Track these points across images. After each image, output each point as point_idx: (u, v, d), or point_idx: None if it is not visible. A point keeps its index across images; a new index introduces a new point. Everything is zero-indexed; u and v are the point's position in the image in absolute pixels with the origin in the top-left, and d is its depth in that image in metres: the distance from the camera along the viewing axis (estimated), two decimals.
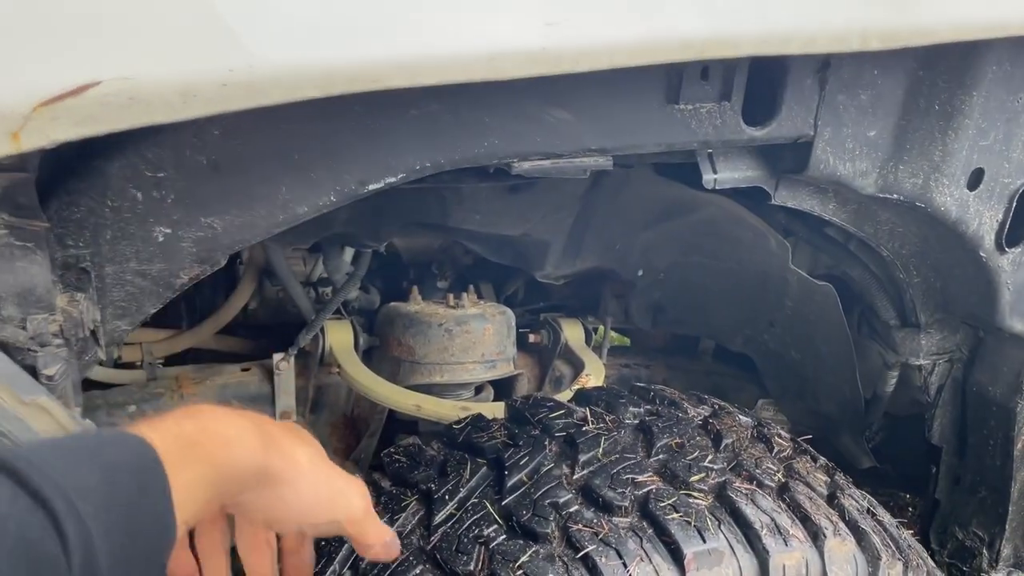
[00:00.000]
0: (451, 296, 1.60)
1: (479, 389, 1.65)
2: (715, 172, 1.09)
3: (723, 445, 1.15)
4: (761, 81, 1.01)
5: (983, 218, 1.15)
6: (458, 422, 1.20)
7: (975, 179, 1.12)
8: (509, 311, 1.60)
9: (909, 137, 1.08)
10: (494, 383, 1.69)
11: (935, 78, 1.05)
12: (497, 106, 0.89)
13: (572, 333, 1.80)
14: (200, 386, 1.59)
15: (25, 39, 0.58)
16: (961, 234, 1.15)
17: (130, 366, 1.61)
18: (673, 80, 0.95)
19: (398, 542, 0.85)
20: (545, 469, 1.06)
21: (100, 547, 0.49)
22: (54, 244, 0.78)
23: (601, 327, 1.89)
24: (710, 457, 1.10)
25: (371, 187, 0.87)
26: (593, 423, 1.14)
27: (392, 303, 1.63)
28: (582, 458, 1.07)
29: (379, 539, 0.81)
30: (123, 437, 0.57)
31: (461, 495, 1.04)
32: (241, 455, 0.65)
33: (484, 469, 1.08)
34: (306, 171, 0.83)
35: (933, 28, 0.80)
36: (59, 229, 0.79)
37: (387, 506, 1.06)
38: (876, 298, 1.38)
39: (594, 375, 1.67)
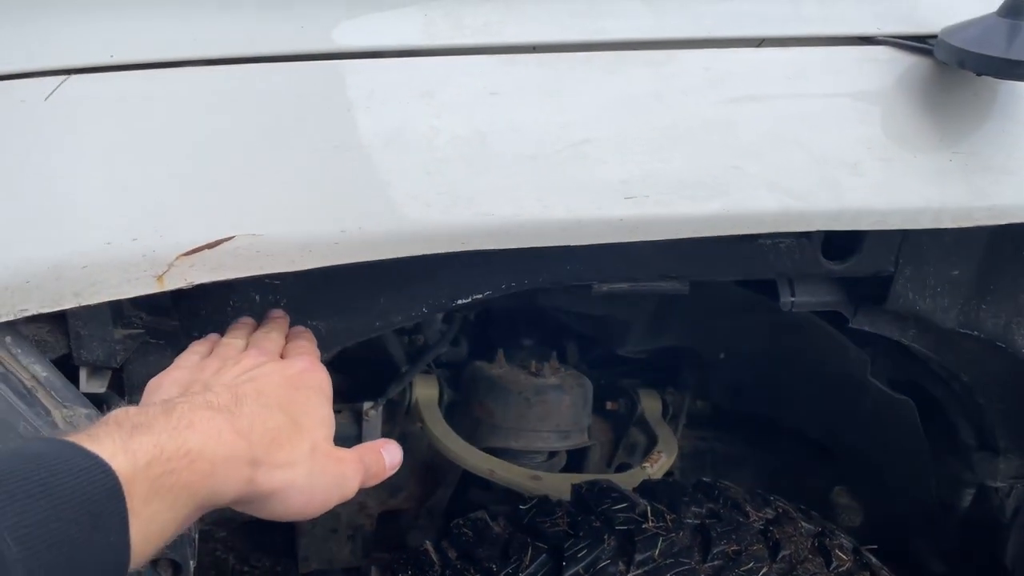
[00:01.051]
0: (534, 362, 1.66)
1: (552, 453, 1.71)
2: (793, 296, 1.12)
3: (780, 556, 1.18)
4: None
5: None
6: (525, 501, 1.26)
7: None
8: (588, 383, 1.66)
9: (993, 279, 1.09)
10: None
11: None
12: None
13: (649, 404, 1.84)
14: None
15: (171, 200, 0.69)
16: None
17: None
18: None
19: (397, 449, 0.82)
20: (601, 565, 1.11)
21: None
22: (183, 338, 0.89)
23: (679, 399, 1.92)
24: (764, 570, 1.13)
25: (460, 302, 0.95)
26: (653, 521, 1.19)
27: (478, 363, 1.71)
28: (638, 557, 1.12)
29: (383, 472, 0.79)
30: (83, 463, 0.52)
31: None
32: (225, 484, 0.61)
33: (544, 556, 1.14)
34: (404, 288, 0.92)
35: (1009, 210, 0.82)
36: (187, 324, 0.90)
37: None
38: (955, 418, 1.37)
39: (666, 451, 1.71)
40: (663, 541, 1.15)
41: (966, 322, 1.12)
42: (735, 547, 1.17)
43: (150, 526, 0.55)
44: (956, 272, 1.08)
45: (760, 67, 0.80)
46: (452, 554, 1.21)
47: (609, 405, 1.86)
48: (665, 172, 0.74)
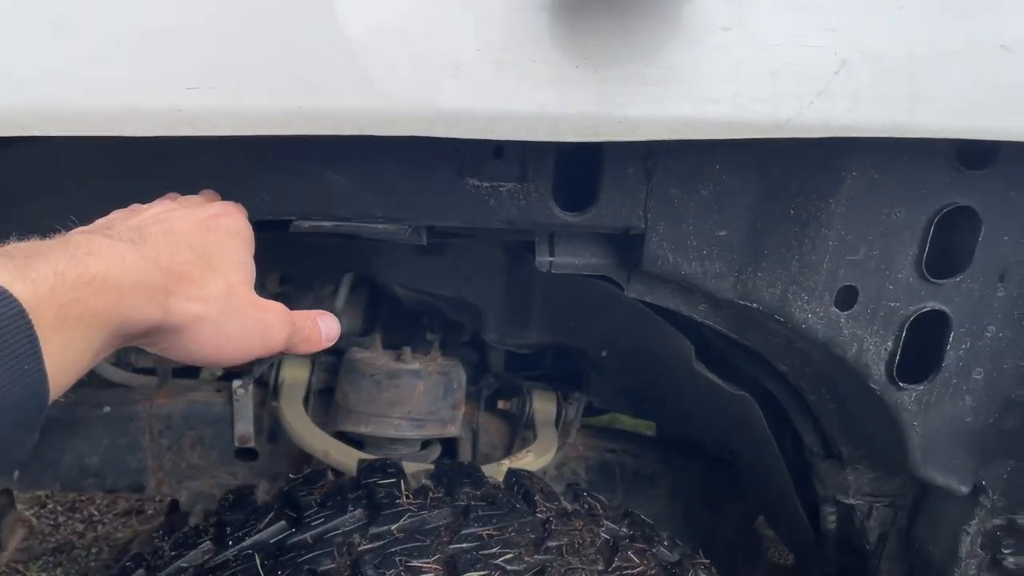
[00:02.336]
0: (408, 349, 1.60)
1: (427, 444, 1.63)
2: (551, 255, 1.03)
3: (545, 547, 1.07)
4: (589, 166, 0.95)
5: (864, 344, 0.99)
6: (297, 476, 1.20)
7: (846, 298, 0.97)
8: (455, 372, 1.58)
9: (766, 242, 0.96)
10: (448, 444, 1.67)
11: (790, 180, 0.93)
12: (270, 163, 0.90)
13: (541, 406, 1.74)
14: (171, 399, 1.70)
15: None
16: (839, 358, 1.00)
17: (150, 372, 1.74)
18: (464, 155, 0.92)
19: (334, 322, 0.78)
20: (332, 534, 1.04)
21: None
22: None
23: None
24: (510, 555, 1.03)
25: None
26: (409, 498, 1.10)
27: (354, 347, 1.66)
28: (373, 530, 1.04)
29: (318, 341, 0.76)
30: None
31: (245, 543, 1.05)
32: (135, 312, 0.57)
33: (282, 522, 1.07)
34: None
35: (645, 124, 0.72)
36: None
37: (187, 537, 1.09)
38: (796, 419, 1.22)
39: (535, 453, 1.60)
40: (409, 518, 1.06)
41: (744, 292, 0.99)
42: (491, 531, 1.07)
43: (64, 356, 0.51)
44: (724, 233, 0.97)
45: None
46: (212, 520, 1.16)
47: (501, 404, 1.78)
48: (234, 62, 0.69)
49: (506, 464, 1.55)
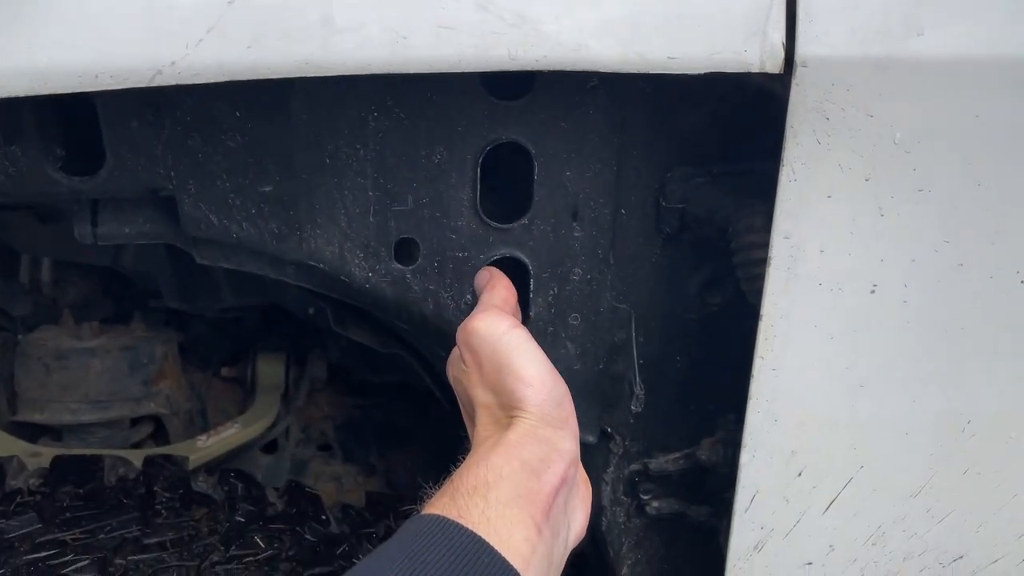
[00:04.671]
0: (91, 325, 1.47)
1: (135, 423, 1.51)
2: (95, 225, 0.91)
3: (143, 546, 0.97)
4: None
5: (440, 299, 0.90)
6: None
7: (406, 252, 0.88)
8: (145, 346, 1.46)
9: (315, 196, 0.86)
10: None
11: (317, 125, 0.82)
12: None
13: (266, 369, 1.64)
14: None
15: None
16: (421, 316, 0.92)
17: None
18: None
19: None
20: None
21: None
22: None
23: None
24: (87, 562, 0.93)
25: None
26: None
27: (45, 326, 1.52)
28: None
29: None
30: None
31: None
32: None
33: None
34: None
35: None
36: None
37: None
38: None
39: (244, 423, 1.50)
40: None
41: (310, 252, 0.89)
42: (77, 535, 0.97)
43: None
44: (269, 189, 0.86)
45: None
46: None
47: (224, 371, 1.67)
48: None
49: (203, 441, 1.45)
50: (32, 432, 1.44)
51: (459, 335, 0.75)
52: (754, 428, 0.84)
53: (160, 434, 1.56)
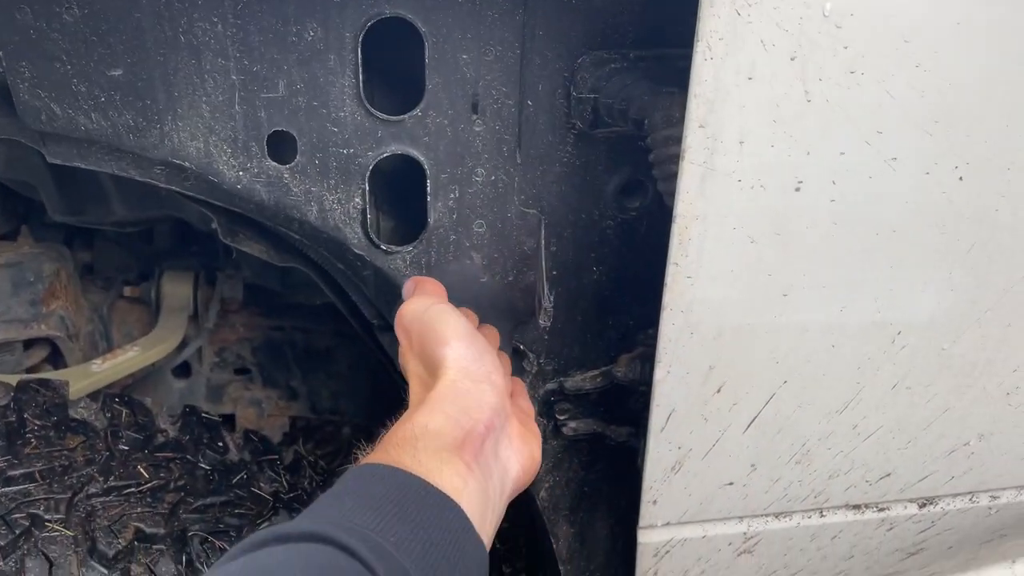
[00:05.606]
0: None
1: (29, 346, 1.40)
2: None
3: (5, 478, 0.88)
4: None
5: (325, 202, 0.81)
6: None
7: (282, 148, 0.78)
8: (32, 264, 1.34)
9: (173, 81, 0.74)
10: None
11: None
12: None
13: (172, 289, 1.53)
14: None
15: None
16: (304, 222, 0.82)
17: None
18: None
19: None
20: None
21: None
22: None
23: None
24: None
25: None
26: None
27: None
28: None
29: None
30: (441, 510, 0.61)
31: None
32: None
33: None
34: None
35: None
36: None
37: None
38: (347, 289, 1.05)
39: (145, 346, 1.40)
40: None
41: (173, 149, 0.78)
42: None
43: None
44: (119, 72, 0.74)
45: None
46: None
47: (127, 291, 1.55)
48: None
49: (97, 365, 1.35)
50: None
51: (395, 323, 0.79)
52: (669, 341, 0.76)
53: (58, 359, 1.45)
